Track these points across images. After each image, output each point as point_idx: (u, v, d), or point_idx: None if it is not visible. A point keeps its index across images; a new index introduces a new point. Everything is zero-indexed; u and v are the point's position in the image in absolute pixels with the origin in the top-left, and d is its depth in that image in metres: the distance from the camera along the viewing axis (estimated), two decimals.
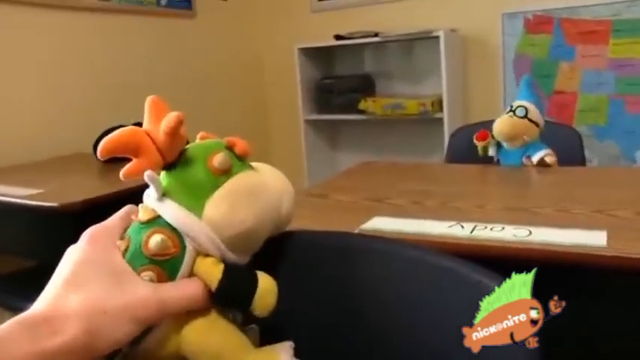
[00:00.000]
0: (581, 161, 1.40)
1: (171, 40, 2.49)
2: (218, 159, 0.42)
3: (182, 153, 0.43)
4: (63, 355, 0.34)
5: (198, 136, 0.47)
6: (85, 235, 0.41)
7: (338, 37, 2.53)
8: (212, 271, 0.41)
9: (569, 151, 1.39)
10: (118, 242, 0.42)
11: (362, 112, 2.51)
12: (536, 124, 1.21)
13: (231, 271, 0.42)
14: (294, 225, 0.58)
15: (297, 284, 0.53)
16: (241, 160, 0.45)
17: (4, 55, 1.85)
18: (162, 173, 0.43)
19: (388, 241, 0.54)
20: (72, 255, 0.40)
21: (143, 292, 0.39)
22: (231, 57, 2.84)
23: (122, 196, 1.25)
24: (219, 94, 2.74)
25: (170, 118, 0.41)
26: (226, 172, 0.43)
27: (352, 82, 2.62)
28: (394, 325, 0.49)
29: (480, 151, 1.25)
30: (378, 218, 0.85)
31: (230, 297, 0.41)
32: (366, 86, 2.64)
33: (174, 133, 0.41)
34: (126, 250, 0.41)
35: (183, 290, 0.40)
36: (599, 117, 2.25)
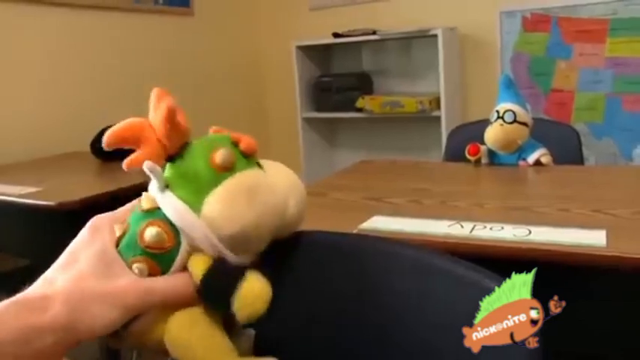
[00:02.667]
0: (579, 160, 1.40)
1: (169, 38, 2.48)
2: (220, 155, 0.41)
3: (187, 145, 0.42)
4: (48, 331, 0.36)
5: (210, 130, 0.45)
6: (88, 224, 0.43)
7: (336, 35, 2.53)
8: (199, 266, 0.40)
9: (568, 149, 1.39)
10: (116, 226, 0.42)
11: (360, 110, 2.50)
12: (526, 124, 1.20)
13: (217, 267, 0.40)
14: None
15: (296, 283, 0.53)
16: (246, 157, 0.43)
17: (1, 54, 1.84)
18: (167, 165, 0.42)
19: (387, 240, 0.54)
20: (73, 242, 0.42)
21: (128, 281, 0.39)
22: (229, 55, 2.83)
23: (120, 194, 1.24)
24: (217, 92, 2.73)
25: (162, 108, 0.41)
26: (228, 169, 0.41)
27: (350, 80, 2.62)
28: (393, 324, 0.48)
29: (474, 164, 1.25)
30: (377, 217, 0.85)
31: (210, 294, 0.40)
32: (364, 84, 2.64)
33: (169, 122, 0.41)
34: (122, 236, 0.41)
35: (169, 282, 0.40)
36: (596, 115, 2.26)
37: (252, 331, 0.46)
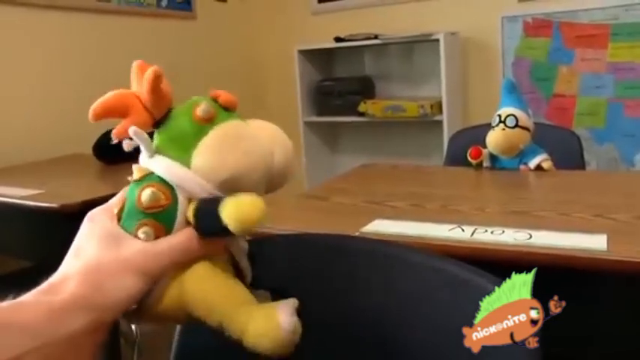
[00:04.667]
0: (581, 165, 1.41)
1: (172, 41, 2.49)
2: (201, 108, 0.43)
3: (170, 111, 0.44)
4: (69, 309, 0.37)
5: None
6: (86, 217, 0.44)
7: (338, 39, 2.53)
8: (191, 209, 0.42)
9: (569, 154, 1.39)
10: (114, 206, 0.43)
11: (361, 114, 2.51)
12: (528, 129, 1.20)
13: (204, 200, 0.41)
14: (294, 227, 0.58)
15: (297, 286, 0.53)
16: (227, 111, 0.45)
17: (2, 56, 1.85)
18: (155, 133, 0.44)
19: (388, 243, 0.54)
20: (75, 238, 0.43)
21: (139, 246, 0.40)
22: (232, 59, 2.84)
23: None
24: None
25: (148, 74, 0.42)
26: (210, 121, 0.43)
27: (352, 85, 2.62)
28: (394, 326, 0.49)
29: (475, 167, 1.25)
30: (378, 221, 0.85)
31: (202, 219, 0.41)
32: (365, 88, 2.64)
33: (156, 87, 0.42)
34: (121, 211, 0.42)
35: (176, 238, 0.41)
36: (597, 120, 2.26)
37: (267, 293, 0.46)
